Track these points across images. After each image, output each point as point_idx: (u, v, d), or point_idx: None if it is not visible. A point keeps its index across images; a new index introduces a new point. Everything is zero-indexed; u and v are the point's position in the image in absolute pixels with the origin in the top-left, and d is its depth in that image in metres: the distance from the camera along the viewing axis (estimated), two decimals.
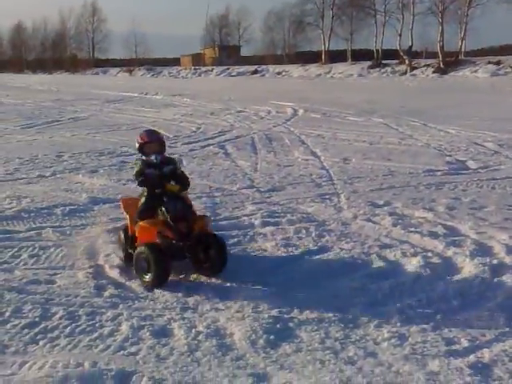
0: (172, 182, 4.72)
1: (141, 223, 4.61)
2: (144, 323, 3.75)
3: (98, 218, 6.22)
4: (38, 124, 15.40)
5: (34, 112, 18.88)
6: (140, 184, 4.81)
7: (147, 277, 4.34)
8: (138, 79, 48.87)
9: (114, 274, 4.65)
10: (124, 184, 7.91)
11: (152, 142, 4.93)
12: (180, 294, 4.22)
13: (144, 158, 4.89)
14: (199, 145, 11.53)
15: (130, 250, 4.70)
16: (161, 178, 4.72)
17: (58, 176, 8.52)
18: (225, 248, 4.56)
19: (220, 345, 3.49)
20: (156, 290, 4.29)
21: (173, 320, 3.81)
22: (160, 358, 3.35)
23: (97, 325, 3.74)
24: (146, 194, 4.83)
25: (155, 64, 59.70)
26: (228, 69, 50.92)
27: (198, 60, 60.51)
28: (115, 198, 7.04)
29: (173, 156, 5.32)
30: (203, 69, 54.20)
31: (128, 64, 60.52)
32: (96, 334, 3.62)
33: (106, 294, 4.24)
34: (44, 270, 4.71)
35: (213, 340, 3.54)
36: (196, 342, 3.53)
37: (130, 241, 4.78)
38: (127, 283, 4.44)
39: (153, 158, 4.84)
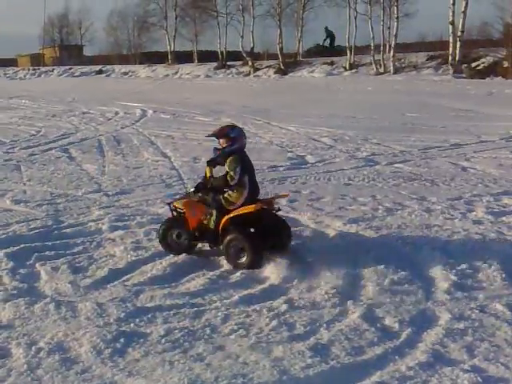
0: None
1: None
2: None
3: None
4: None
5: None
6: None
7: None
8: None
9: None
10: None
11: (218, 137, 4.97)
12: (22, 308, 3.96)
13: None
14: (39, 149, 10.86)
15: None
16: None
17: None
18: None
19: (64, 359, 3.32)
20: None
21: (10, 339, 3.55)
22: None
23: None
24: None
25: None
26: (70, 69, 48.38)
27: (37, 60, 56.57)
28: None
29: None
30: (43, 69, 50.90)
31: None
32: None
33: None
34: None
35: (55, 355, 3.35)
36: (37, 359, 3.32)
37: None
38: None
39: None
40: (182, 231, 5.02)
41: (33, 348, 3.43)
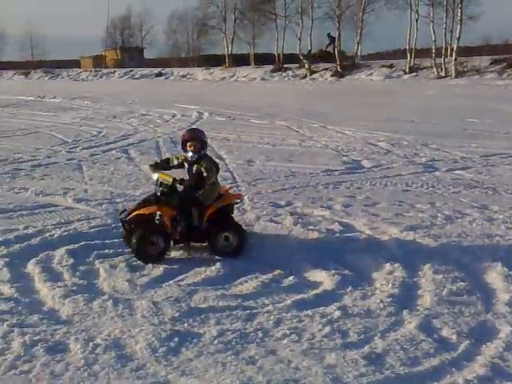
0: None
1: None
2: (37, 339, 3.58)
3: None
4: None
5: None
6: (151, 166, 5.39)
7: None
8: (35, 82, 46.49)
9: (6, 289, 4.38)
10: (17, 193, 7.49)
11: (189, 140, 5.15)
12: (81, 305, 4.08)
13: (184, 154, 5.22)
14: (100, 149, 11.19)
15: None
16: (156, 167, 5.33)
17: None
18: None
19: (119, 356, 3.40)
20: (50, 304, 4.13)
21: (69, 334, 3.67)
22: (55, 375, 3.21)
23: None
24: None
25: (54, 66, 57.00)
26: (131, 71, 49.76)
27: (99, 62, 58.54)
28: (6, 208, 6.66)
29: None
30: (105, 71, 52.58)
31: (24, 67, 57.34)
32: None
33: None
34: None
35: (111, 352, 3.44)
36: (93, 355, 3.41)
37: None
38: (19, 298, 4.20)
39: (189, 155, 5.14)
40: (155, 236, 5.02)
41: (90, 344, 3.52)
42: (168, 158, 5.46)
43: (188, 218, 5.09)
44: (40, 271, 4.70)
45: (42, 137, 13.08)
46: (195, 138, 5.18)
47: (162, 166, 5.35)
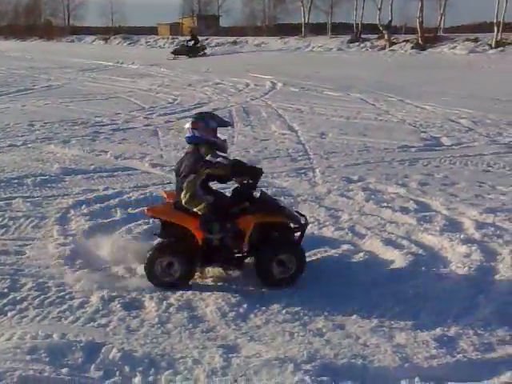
0: None
1: None
2: (115, 295, 3.74)
3: (69, 189, 6.14)
4: (11, 92, 14.98)
5: (7, 80, 18.32)
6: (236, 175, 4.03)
7: None
8: (114, 48, 47.71)
9: (85, 245, 4.59)
10: (97, 155, 7.80)
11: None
12: None
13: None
14: (175, 117, 11.38)
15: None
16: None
17: (30, 146, 8.35)
18: None
19: (191, 317, 3.52)
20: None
21: (144, 292, 3.81)
22: (130, 330, 3.36)
23: (66, 297, 3.73)
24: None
25: (132, 32, 58.34)
26: (207, 39, 50.07)
27: (175, 29, 59.32)
28: (87, 169, 6.96)
29: None
30: (181, 38, 53.22)
31: (104, 32, 59.02)
32: (65, 306, 3.61)
33: (77, 265, 4.20)
34: (13, 241, 4.67)
35: (184, 312, 3.56)
36: (167, 314, 3.55)
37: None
38: (99, 254, 4.40)
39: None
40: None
41: (164, 303, 3.66)
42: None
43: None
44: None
45: (120, 102, 13.46)
46: None
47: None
